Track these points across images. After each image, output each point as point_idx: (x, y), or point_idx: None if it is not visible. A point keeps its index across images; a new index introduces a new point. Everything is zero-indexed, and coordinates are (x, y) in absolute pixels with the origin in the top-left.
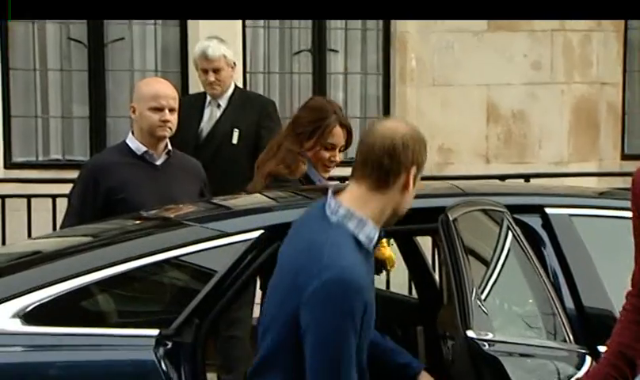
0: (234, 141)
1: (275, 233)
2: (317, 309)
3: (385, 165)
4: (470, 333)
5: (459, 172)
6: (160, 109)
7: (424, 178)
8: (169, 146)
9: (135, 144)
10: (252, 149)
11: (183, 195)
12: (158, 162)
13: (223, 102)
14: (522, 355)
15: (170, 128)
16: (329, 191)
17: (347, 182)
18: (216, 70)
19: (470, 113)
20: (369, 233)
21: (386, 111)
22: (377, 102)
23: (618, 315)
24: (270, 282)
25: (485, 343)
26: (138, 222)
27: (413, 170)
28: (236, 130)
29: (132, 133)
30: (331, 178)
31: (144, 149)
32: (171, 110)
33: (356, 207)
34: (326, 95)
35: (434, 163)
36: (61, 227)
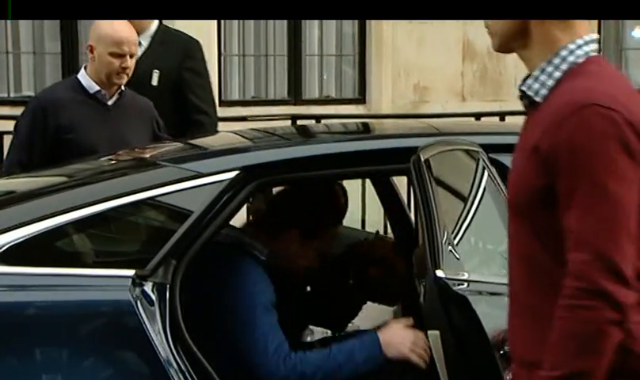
0: (154, 82)
1: (251, 174)
2: None
3: None
4: (439, 273)
5: (435, 111)
6: (122, 55)
7: (398, 116)
8: (123, 87)
9: (87, 81)
10: (174, 91)
11: (134, 137)
12: (110, 102)
13: (145, 41)
14: (493, 293)
15: (128, 74)
16: None
17: None
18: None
19: (446, 51)
20: None
21: (362, 48)
22: (353, 40)
23: None
24: None
25: (455, 283)
26: (113, 162)
27: None
28: (156, 71)
29: (85, 69)
30: None
31: (97, 88)
32: (132, 55)
33: None
34: (302, 35)
35: (410, 101)
36: (5, 160)
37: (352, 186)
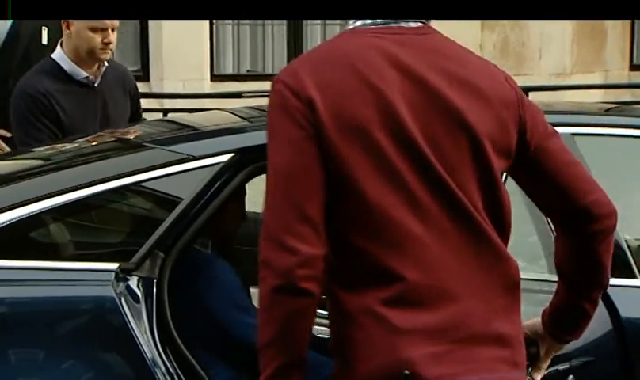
0: (44, 41)
1: (247, 157)
2: None
3: None
4: None
5: None
6: (103, 29)
7: None
8: (106, 62)
9: (69, 66)
10: None
11: (120, 111)
12: (97, 83)
13: None
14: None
15: (112, 49)
16: None
17: None
18: None
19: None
20: None
21: None
22: None
23: (625, 246)
24: None
25: None
26: (94, 143)
27: None
28: (45, 28)
29: (61, 46)
30: None
31: (83, 74)
32: (114, 29)
33: None
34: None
35: None
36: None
37: None
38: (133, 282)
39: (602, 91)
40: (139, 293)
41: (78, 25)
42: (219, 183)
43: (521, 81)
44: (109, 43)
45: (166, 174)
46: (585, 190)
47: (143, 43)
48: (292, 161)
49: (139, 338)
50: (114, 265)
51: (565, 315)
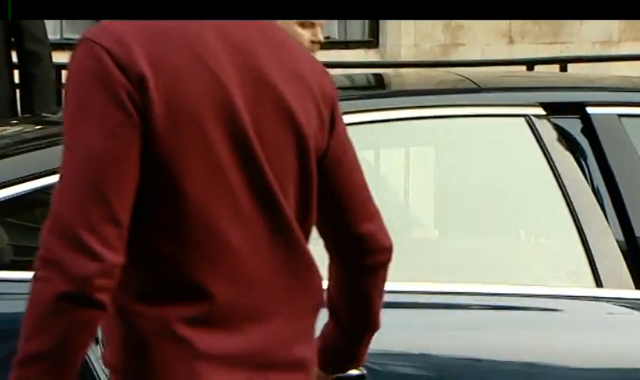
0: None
1: None
2: None
3: None
4: None
5: (473, 57)
6: (312, 25)
7: (423, 65)
8: None
9: None
10: None
11: None
12: None
13: None
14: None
15: (317, 48)
16: None
17: None
18: None
19: None
20: None
21: None
22: None
23: None
24: None
25: None
26: (38, 127)
27: None
28: None
29: None
30: None
31: None
32: (322, 27)
33: None
34: None
35: (438, 44)
36: None
37: None
38: None
39: None
40: None
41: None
42: None
43: (558, 52)
44: (318, 42)
45: None
46: (365, 217)
47: None
48: (105, 148)
49: (94, 365)
50: None
51: (332, 355)
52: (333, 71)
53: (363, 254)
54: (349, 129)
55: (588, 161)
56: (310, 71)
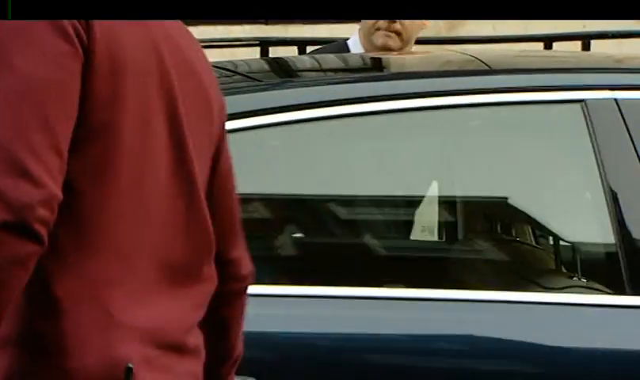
0: None
1: None
2: None
3: None
4: None
5: (481, 33)
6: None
7: (426, 41)
8: None
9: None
10: None
11: None
12: None
13: None
14: None
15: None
16: None
17: None
18: None
19: None
20: None
21: None
22: None
23: None
24: None
25: None
26: None
27: None
28: None
29: (358, 33)
30: None
31: None
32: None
33: None
34: None
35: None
36: None
37: None
38: None
39: None
40: None
41: None
42: None
43: (580, 27)
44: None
45: None
46: (235, 243)
47: None
48: (49, 75)
49: None
50: None
51: None
52: (319, 51)
53: (230, 281)
54: (339, 121)
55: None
56: (214, 80)
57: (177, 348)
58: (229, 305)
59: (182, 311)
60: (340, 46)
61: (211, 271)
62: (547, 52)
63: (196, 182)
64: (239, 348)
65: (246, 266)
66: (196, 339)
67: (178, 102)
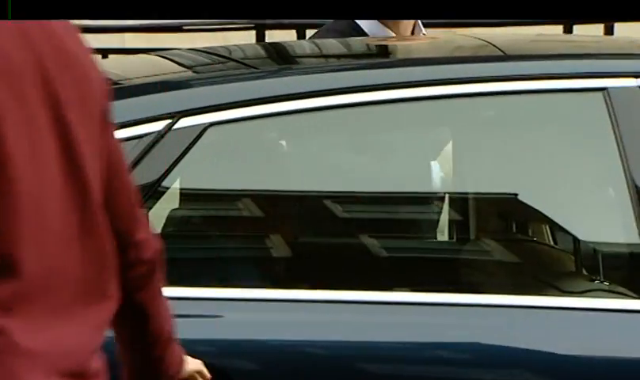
0: None
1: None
2: None
3: None
4: None
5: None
6: None
7: (433, 25)
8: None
9: (371, 26)
10: None
11: None
12: None
13: None
14: None
15: None
16: None
17: None
18: None
19: None
20: None
21: None
22: None
23: None
24: None
25: None
26: None
27: None
28: None
29: None
30: None
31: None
32: None
33: None
34: None
35: None
36: None
37: None
38: None
39: None
40: None
41: None
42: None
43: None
44: None
45: None
46: (136, 225)
47: None
48: None
49: None
50: None
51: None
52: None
53: (137, 264)
54: (341, 112)
55: None
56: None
57: (80, 375)
58: (142, 288)
59: (85, 334)
60: (348, 24)
61: (111, 288)
62: (566, 36)
63: (89, 192)
64: (167, 328)
65: (150, 248)
66: (97, 363)
67: (63, 103)
